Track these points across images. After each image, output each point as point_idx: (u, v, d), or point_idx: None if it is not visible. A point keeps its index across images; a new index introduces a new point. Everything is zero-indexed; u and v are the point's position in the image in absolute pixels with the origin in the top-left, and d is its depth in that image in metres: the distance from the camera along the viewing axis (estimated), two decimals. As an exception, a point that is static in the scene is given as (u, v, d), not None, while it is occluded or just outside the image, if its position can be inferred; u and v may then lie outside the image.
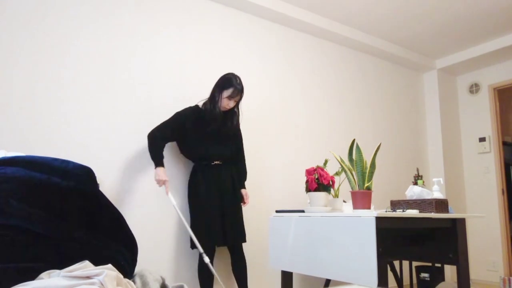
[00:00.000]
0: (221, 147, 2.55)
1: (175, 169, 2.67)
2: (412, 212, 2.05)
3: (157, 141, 2.42)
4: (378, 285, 1.66)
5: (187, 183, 2.63)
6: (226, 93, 2.46)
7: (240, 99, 2.54)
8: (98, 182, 1.49)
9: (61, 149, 2.30)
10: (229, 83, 2.46)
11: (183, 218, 2.37)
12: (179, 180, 2.69)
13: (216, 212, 2.44)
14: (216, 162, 2.53)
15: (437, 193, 2.33)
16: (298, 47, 3.57)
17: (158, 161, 2.39)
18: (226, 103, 2.49)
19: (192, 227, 2.45)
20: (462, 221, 2.27)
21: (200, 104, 2.61)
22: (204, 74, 2.95)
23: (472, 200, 4.48)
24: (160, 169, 2.37)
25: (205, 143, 2.50)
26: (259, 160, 3.12)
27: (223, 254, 2.73)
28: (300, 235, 2.14)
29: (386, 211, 1.93)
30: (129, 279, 1.30)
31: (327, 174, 2.30)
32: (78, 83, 2.42)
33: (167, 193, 2.38)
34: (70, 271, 1.06)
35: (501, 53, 4.12)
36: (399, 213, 1.93)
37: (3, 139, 2.14)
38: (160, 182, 2.37)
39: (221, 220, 2.45)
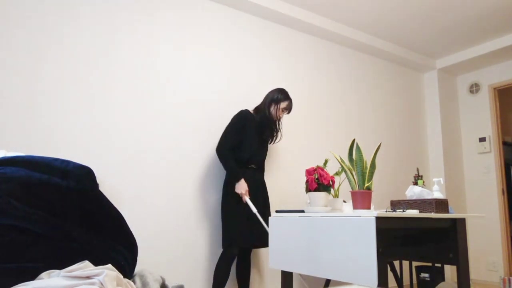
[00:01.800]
0: (262, 153, 2.74)
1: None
2: (412, 212, 2.05)
3: (228, 156, 2.56)
4: (378, 285, 1.66)
5: (223, 182, 2.69)
6: (283, 104, 2.77)
7: (288, 112, 2.84)
8: (98, 182, 1.48)
9: (61, 149, 2.30)
10: (285, 96, 2.78)
11: (264, 225, 2.51)
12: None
13: (251, 214, 2.54)
14: (252, 166, 2.67)
15: (437, 193, 2.33)
16: (298, 47, 3.57)
17: (239, 174, 2.56)
18: (281, 113, 2.78)
19: (225, 226, 2.55)
20: (462, 221, 2.26)
21: (250, 110, 2.77)
22: (203, 73, 2.95)
23: (472, 200, 4.47)
24: (243, 180, 2.55)
25: (255, 147, 2.66)
26: (259, 160, 3.12)
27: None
28: (300, 235, 2.13)
29: (386, 211, 1.93)
30: (129, 279, 1.30)
31: (327, 174, 2.30)
32: (78, 83, 2.42)
33: (245, 201, 2.52)
34: (70, 271, 1.06)
35: (501, 53, 4.12)
36: (399, 213, 1.92)
37: (3, 139, 2.14)
38: (243, 193, 2.52)
39: (253, 223, 2.54)
